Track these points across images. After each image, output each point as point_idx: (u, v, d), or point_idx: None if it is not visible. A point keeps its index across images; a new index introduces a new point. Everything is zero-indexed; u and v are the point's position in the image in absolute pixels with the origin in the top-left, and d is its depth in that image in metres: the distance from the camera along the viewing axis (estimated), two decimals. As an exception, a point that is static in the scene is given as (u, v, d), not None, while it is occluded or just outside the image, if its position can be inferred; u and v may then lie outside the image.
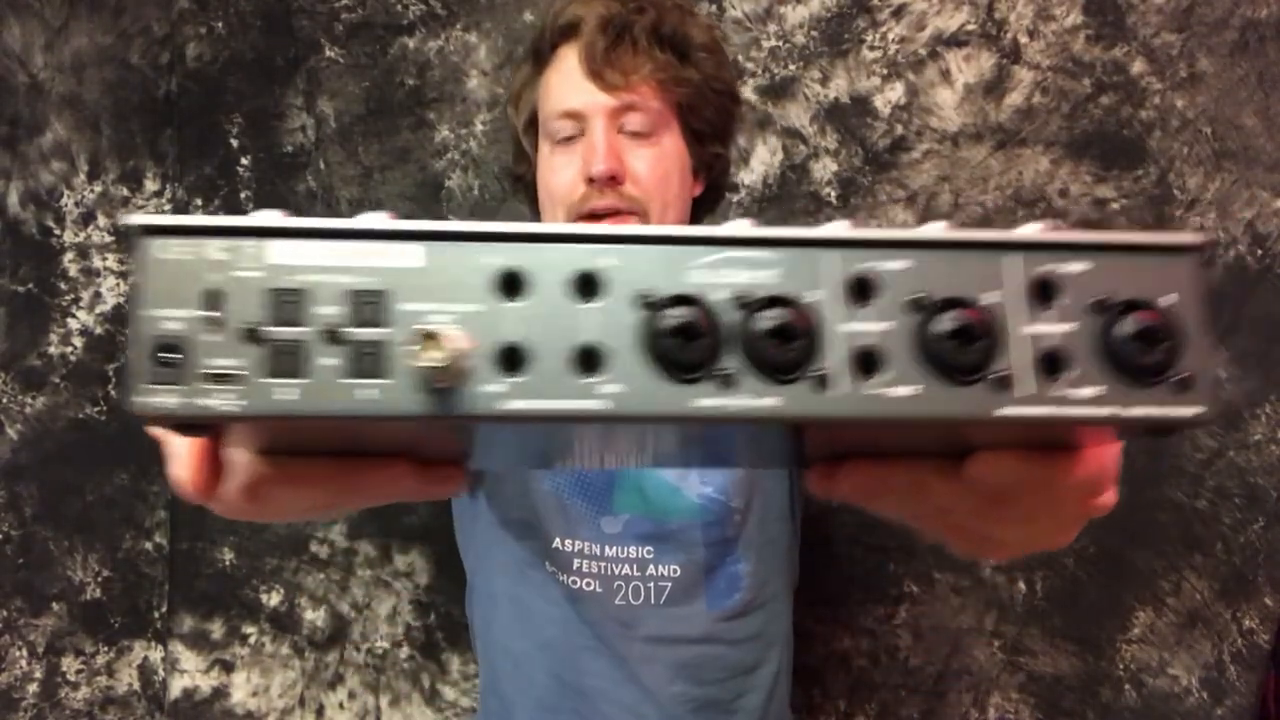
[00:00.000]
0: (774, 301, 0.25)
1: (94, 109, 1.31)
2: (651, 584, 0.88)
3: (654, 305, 0.24)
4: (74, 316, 1.31)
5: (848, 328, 0.25)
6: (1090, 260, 0.25)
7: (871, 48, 1.22)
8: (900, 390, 0.24)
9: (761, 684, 0.92)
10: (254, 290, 0.24)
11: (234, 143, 1.30)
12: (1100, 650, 1.20)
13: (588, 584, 0.88)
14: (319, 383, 0.24)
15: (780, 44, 1.23)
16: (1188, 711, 1.18)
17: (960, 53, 1.22)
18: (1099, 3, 1.20)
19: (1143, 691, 1.19)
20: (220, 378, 0.24)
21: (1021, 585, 1.21)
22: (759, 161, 1.24)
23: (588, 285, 0.25)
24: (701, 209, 0.98)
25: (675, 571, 0.88)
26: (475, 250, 0.25)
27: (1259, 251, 1.19)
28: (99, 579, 1.29)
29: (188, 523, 1.29)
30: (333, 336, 0.24)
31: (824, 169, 1.23)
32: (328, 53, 1.28)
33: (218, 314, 0.24)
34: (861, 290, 0.25)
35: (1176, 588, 1.19)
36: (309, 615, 1.28)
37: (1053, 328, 0.25)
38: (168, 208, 1.31)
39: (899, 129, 1.22)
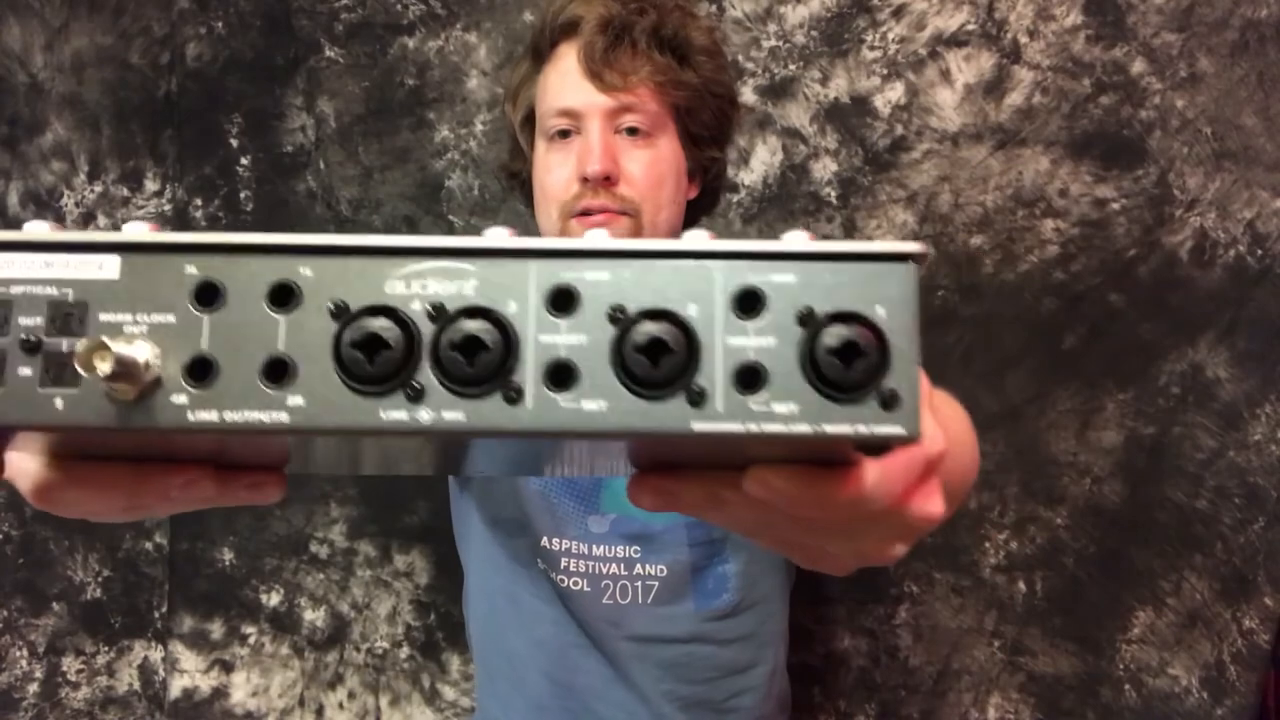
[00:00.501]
0: (470, 313, 0.24)
1: (94, 109, 1.31)
2: (639, 583, 0.88)
3: (347, 316, 0.24)
4: (74, 316, 1.31)
5: (544, 339, 0.24)
6: (795, 270, 0.24)
7: (871, 48, 1.22)
8: (591, 405, 0.24)
9: (755, 684, 0.92)
10: None
11: (234, 143, 1.30)
12: (1100, 650, 1.20)
13: (575, 583, 0.89)
14: (13, 391, 0.24)
15: (780, 44, 1.23)
16: (1188, 711, 1.18)
17: (960, 53, 1.22)
18: (1099, 3, 1.20)
19: (1143, 691, 1.19)
20: None
21: (1021, 585, 1.21)
22: (759, 162, 1.24)
23: (282, 296, 0.24)
24: (697, 212, 0.98)
25: (662, 571, 0.89)
26: (171, 261, 0.24)
27: (1259, 251, 1.19)
28: (99, 579, 1.29)
29: (188, 523, 1.29)
30: (32, 346, 0.24)
31: (824, 169, 1.23)
32: (328, 53, 1.28)
33: None
34: (560, 302, 0.24)
35: (1176, 588, 1.19)
36: (309, 615, 1.28)
37: (751, 341, 0.24)
38: (168, 208, 1.31)
39: (899, 129, 1.22)
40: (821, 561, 0.36)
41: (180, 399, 0.24)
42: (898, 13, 1.22)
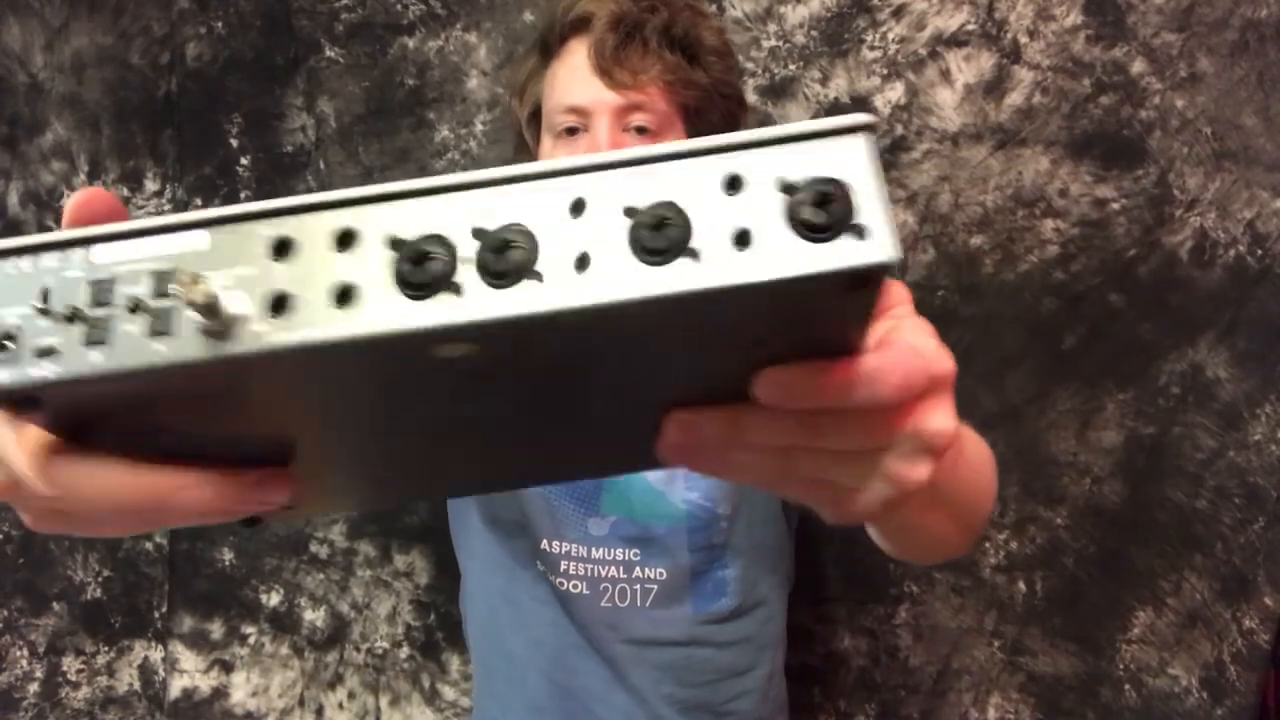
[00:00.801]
0: (502, 229, 0.28)
1: (94, 109, 1.31)
2: (638, 586, 0.88)
3: (401, 246, 0.28)
4: (74, 316, 1.31)
5: (566, 236, 0.28)
6: (771, 153, 0.29)
7: (871, 48, 1.22)
8: (609, 279, 0.28)
9: (754, 686, 0.92)
10: (79, 284, 0.29)
11: (234, 143, 1.30)
12: (1100, 650, 1.20)
13: (575, 585, 0.89)
14: (123, 346, 0.28)
15: (780, 44, 1.23)
16: (1188, 711, 1.18)
17: (960, 53, 1.22)
18: (1099, 3, 1.20)
19: (1143, 691, 1.19)
20: (44, 353, 0.28)
21: (1021, 585, 1.21)
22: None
23: (346, 240, 0.29)
24: None
25: (661, 575, 0.89)
26: (250, 228, 0.29)
27: (1259, 251, 1.19)
28: (99, 579, 1.29)
29: (188, 523, 1.29)
30: (135, 308, 0.29)
31: (824, 169, 1.23)
32: (328, 53, 1.28)
33: (46, 305, 0.29)
34: (578, 208, 0.29)
35: (1176, 588, 1.19)
36: (309, 615, 1.28)
37: (741, 211, 0.28)
38: (168, 208, 1.31)
39: (899, 129, 1.22)
40: (853, 504, 0.36)
41: (263, 328, 0.28)
42: (898, 13, 1.22)
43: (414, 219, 0.29)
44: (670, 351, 0.31)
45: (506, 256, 0.28)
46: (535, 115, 0.92)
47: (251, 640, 1.28)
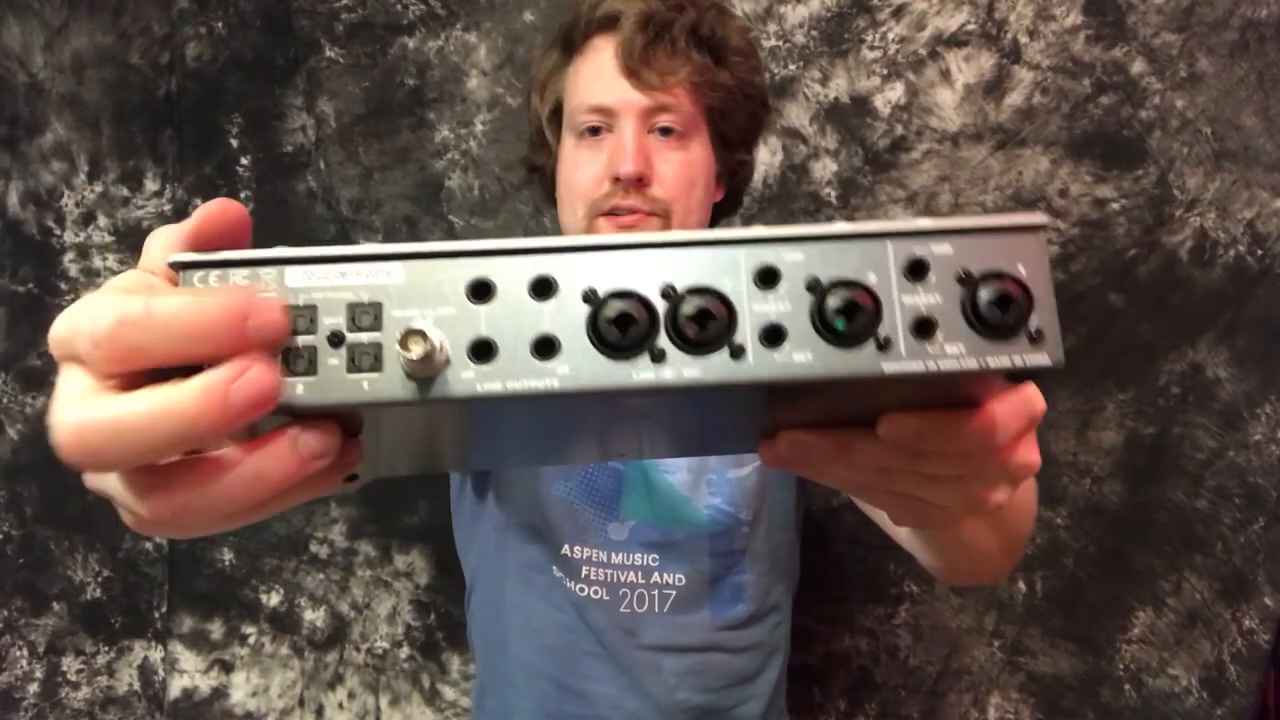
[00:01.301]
0: (694, 292, 0.30)
1: (94, 109, 1.31)
2: (656, 591, 0.87)
3: (597, 300, 0.29)
4: (74, 316, 1.31)
5: (758, 308, 0.30)
6: (950, 242, 0.30)
7: (871, 48, 1.22)
8: (800, 356, 0.30)
9: (761, 691, 0.92)
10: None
11: (234, 143, 1.30)
12: (1100, 650, 1.20)
13: (595, 591, 0.87)
14: (326, 378, 0.29)
15: (780, 44, 1.23)
16: (1188, 711, 1.18)
17: (960, 53, 1.22)
18: (1099, 3, 1.20)
19: (1143, 691, 1.19)
20: None
21: (1021, 585, 1.21)
22: (759, 161, 1.23)
23: (543, 287, 0.30)
24: (721, 214, 0.97)
25: (680, 580, 0.88)
26: (446, 265, 0.30)
27: (1259, 251, 1.19)
28: (99, 579, 1.29)
29: (188, 523, 1.28)
30: (337, 340, 0.29)
31: (824, 169, 1.23)
32: (328, 53, 1.28)
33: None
34: (767, 278, 0.30)
35: (1176, 588, 1.19)
36: (309, 615, 1.28)
37: (923, 299, 0.30)
38: (168, 208, 1.31)
39: (899, 129, 1.22)
40: (928, 516, 0.39)
41: (468, 374, 0.29)
42: (898, 13, 1.22)
43: (609, 274, 0.30)
44: (809, 397, 0.33)
45: (705, 328, 0.29)
46: (556, 112, 0.90)
47: (251, 640, 1.28)
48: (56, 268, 1.31)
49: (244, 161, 1.30)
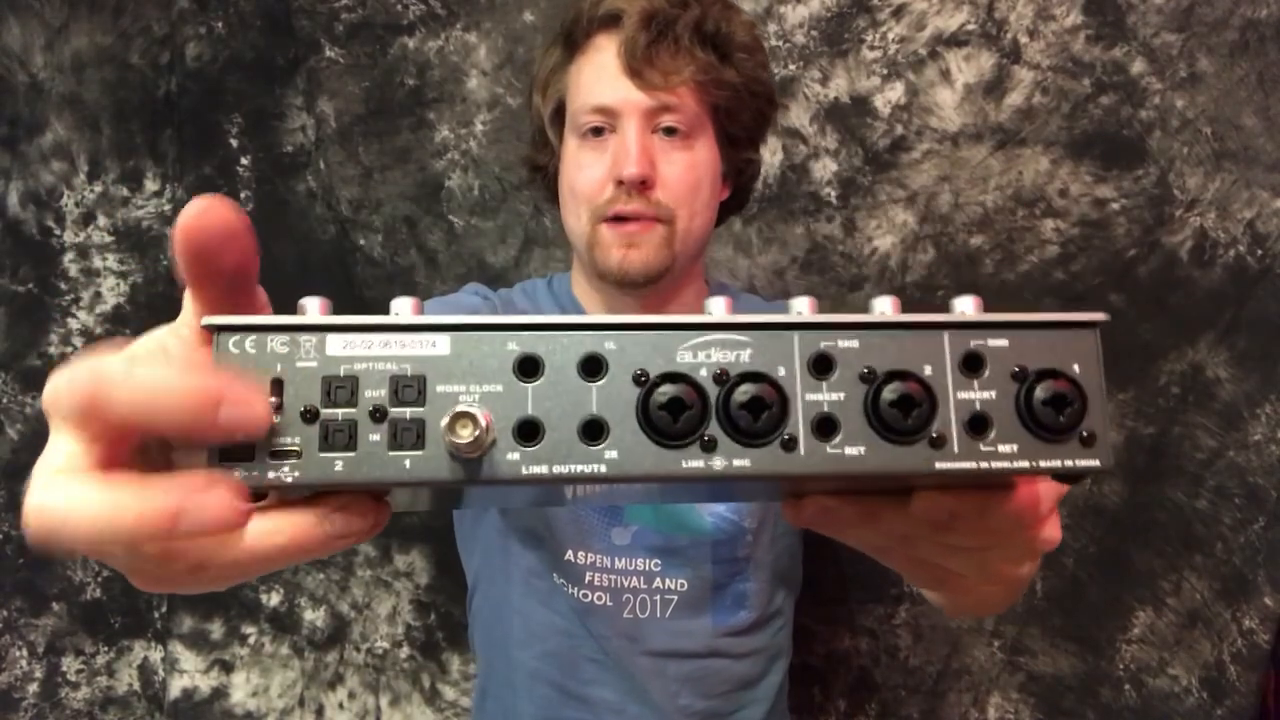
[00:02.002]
0: (747, 377, 0.29)
1: (94, 109, 1.31)
2: (658, 597, 0.87)
3: (648, 383, 0.29)
4: (74, 316, 1.31)
5: (810, 397, 0.29)
6: (1008, 336, 0.30)
7: (871, 48, 1.22)
8: (852, 450, 0.29)
9: (764, 696, 0.91)
10: (312, 378, 0.28)
11: (234, 143, 1.30)
12: (1100, 650, 1.20)
13: (599, 597, 0.87)
14: (366, 455, 0.28)
15: (780, 44, 1.23)
16: (1188, 711, 1.18)
17: (960, 53, 1.22)
18: (1099, 3, 1.20)
19: (1143, 691, 1.19)
20: (283, 453, 0.27)
21: (1021, 585, 1.21)
22: (759, 161, 1.24)
23: (593, 366, 0.29)
24: (727, 212, 0.96)
25: (682, 585, 0.87)
26: (495, 339, 0.29)
27: (1259, 251, 1.19)
28: (99, 579, 1.29)
29: (188, 523, 1.28)
30: (379, 415, 0.28)
31: (824, 169, 1.23)
32: (328, 53, 1.28)
33: (280, 399, 0.28)
34: (821, 365, 0.30)
35: (1176, 588, 1.19)
36: (309, 615, 1.28)
37: (977, 394, 0.30)
38: (168, 208, 1.31)
39: (899, 129, 1.22)
40: (946, 584, 0.40)
41: (514, 456, 0.28)
42: (898, 13, 1.22)
43: (658, 354, 0.29)
44: None
45: (758, 418, 0.29)
46: (558, 112, 0.89)
47: (251, 640, 1.28)
48: (56, 268, 1.31)
49: (244, 161, 1.30)
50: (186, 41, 1.30)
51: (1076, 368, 0.30)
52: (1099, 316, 0.30)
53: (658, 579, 0.87)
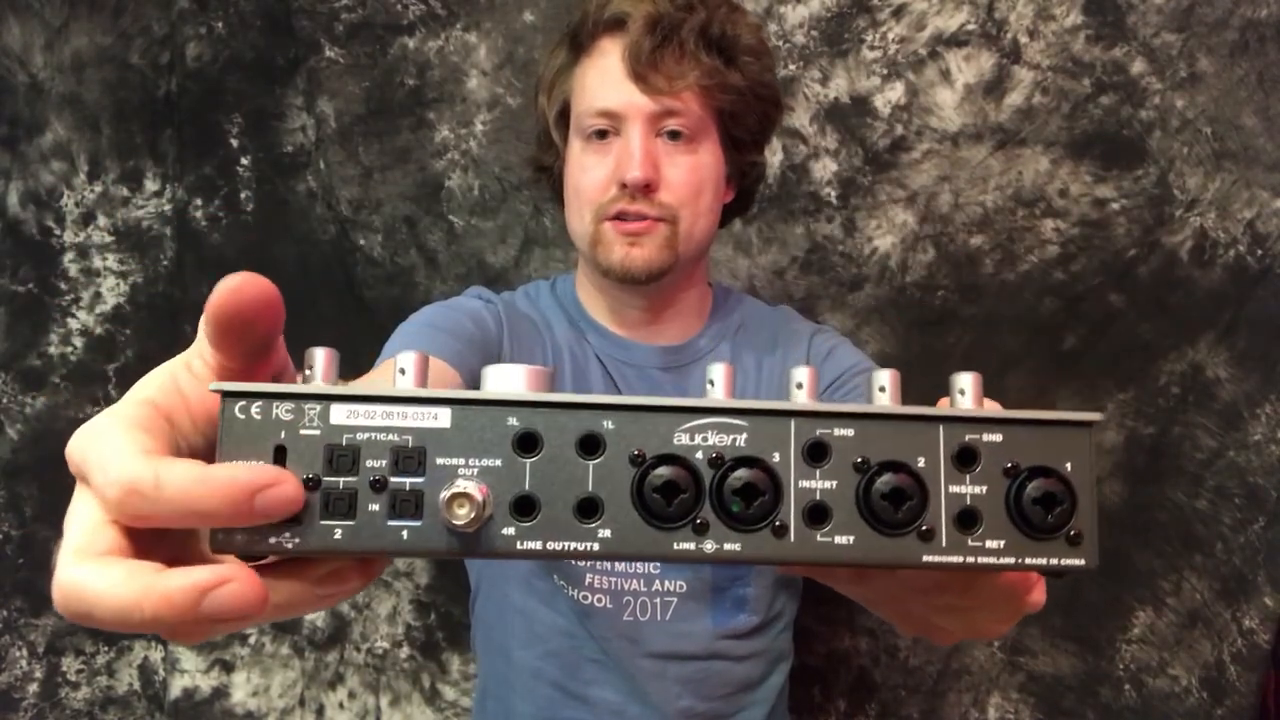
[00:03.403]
0: (742, 462, 0.29)
1: (94, 109, 1.31)
2: (658, 599, 0.87)
3: (644, 463, 0.29)
4: (74, 316, 1.31)
5: (803, 485, 0.30)
6: (1002, 432, 0.30)
7: (871, 48, 1.22)
8: (841, 539, 0.30)
9: (764, 698, 0.91)
10: (315, 446, 0.28)
11: (234, 143, 1.30)
12: (1100, 650, 1.20)
13: (599, 599, 0.87)
14: (365, 524, 0.28)
15: (780, 44, 1.23)
16: (1188, 711, 1.18)
17: (960, 53, 1.22)
18: (1099, 3, 1.20)
19: (1143, 691, 1.19)
20: (284, 521, 0.28)
21: (1021, 585, 1.21)
22: (759, 161, 1.24)
23: (590, 445, 0.29)
24: (731, 215, 0.96)
25: (681, 587, 0.87)
26: (495, 414, 0.29)
27: (1259, 251, 1.19)
28: (99, 579, 1.29)
29: (188, 523, 1.28)
30: (379, 485, 0.28)
31: (824, 169, 1.23)
32: (328, 53, 1.28)
33: (284, 466, 0.28)
34: (816, 453, 0.30)
35: (1176, 588, 1.19)
36: (309, 615, 1.28)
37: (969, 489, 0.30)
38: (168, 208, 1.31)
39: (899, 129, 1.22)
40: (930, 632, 0.41)
41: (510, 531, 0.29)
42: (898, 13, 1.22)
43: (655, 435, 0.29)
44: None
45: (750, 505, 0.29)
46: (563, 113, 0.89)
47: (252, 640, 1.28)
48: (56, 268, 1.31)
49: (244, 161, 1.30)
50: (186, 41, 1.30)
51: (1069, 466, 0.30)
52: (1094, 417, 0.31)
53: (657, 581, 0.87)
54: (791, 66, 1.23)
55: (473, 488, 0.28)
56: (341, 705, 1.27)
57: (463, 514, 0.28)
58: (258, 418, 0.29)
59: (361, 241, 1.28)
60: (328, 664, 1.28)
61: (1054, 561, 0.30)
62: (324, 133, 1.29)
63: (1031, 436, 0.30)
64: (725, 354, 0.94)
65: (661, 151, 0.83)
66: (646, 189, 0.82)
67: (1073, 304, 1.20)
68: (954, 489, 0.30)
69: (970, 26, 1.22)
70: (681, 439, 0.29)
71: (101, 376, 1.30)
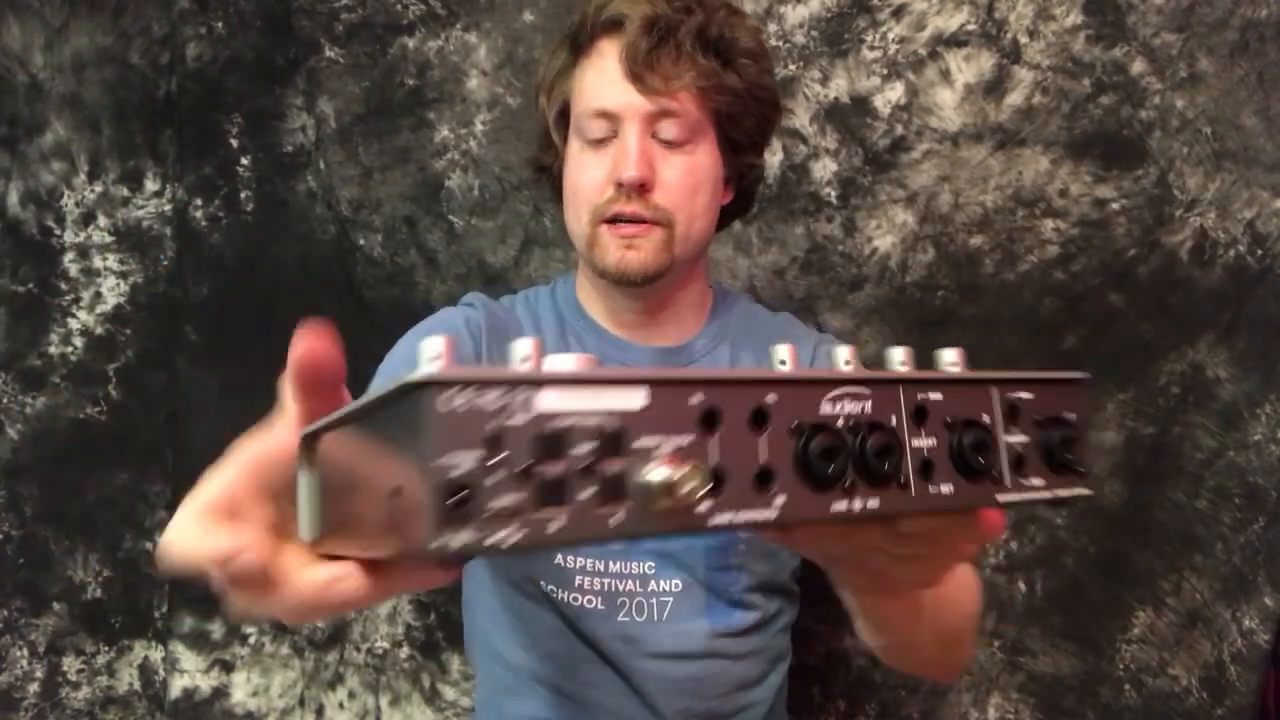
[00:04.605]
0: (875, 427, 0.33)
1: (94, 109, 1.31)
2: (654, 600, 0.87)
3: (804, 434, 0.31)
4: (74, 316, 1.31)
5: (915, 444, 0.34)
6: (1032, 390, 0.37)
7: (871, 48, 1.22)
8: (946, 488, 0.34)
9: (763, 697, 0.91)
10: (524, 434, 0.27)
11: (234, 143, 1.30)
12: (1100, 650, 1.20)
13: (589, 601, 0.86)
14: (577, 511, 0.28)
15: (780, 44, 1.23)
16: (1188, 711, 1.18)
17: (960, 53, 1.22)
18: (1099, 3, 1.20)
19: (1143, 691, 1.19)
20: (503, 514, 0.27)
21: (1021, 585, 1.21)
22: (759, 161, 1.24)
23: (760, 418, 0.31)
24: (730, 217, 0.96)
25: (677, 586, 0.87)
26: (682, 393, 0.30)
27: (1259, 251, 1.19)
28: (99, 579, 1.29)
29: (188, 523, 1.28)
30: (587, 471, 0.28)
31: (824, 169, 1.23)
32: (328, 53, 1.28)
33: (497, 457, 0.27)
34: (920, 415, 0.34)
35: (1176, 588, 1.19)
36: (309, 615, 1.28)
37: (1017, 438, 0.36)
38: (168, 208, 1.31)
39: (899, 129, 1.22)
40: (886, 587, 0.47)
41: (704, 507, 0.29)
42: (898, 13, 1.22)
43: (806, 406, 0.32)
44: None
45: (886, 463, 0.33)
46: (563, 114, 0.90)
47: (252, 640, 1.28)
48: (56, 268, 1.31)
49: (244, 161, 1.30)
50: (186, 41, 1.30)
51: (1074, 416, 0.37)
52: (1082, 375, 0.38)
53: (652, 581, 0.87)
54: (791, 66, 1.23)
55: (674, 467, 0.28)
56: (341, 705, 1.27)
57: (672, 492, 0.28)
58: (460, 406, 0.27)
59: (361, 241, 1.28)
60: (328, 664, 1.28)
61: (1077, 491, 0.37)
62: (324, 133, 1.29)
63: (1048, 392, 0.37)
64: (724, 356, 0.94)
65: (658, 152, 0.83)
66: (642, 189, 0.82)
67: (1073, 304, 1.20)
68: (1008, 438, 0.36)
69: (970, 26, 1.22)
70: (826, 408, 0.32)
71: (101, 376, 1.30)
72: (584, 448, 0.28)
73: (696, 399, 0.30)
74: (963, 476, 0.34)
